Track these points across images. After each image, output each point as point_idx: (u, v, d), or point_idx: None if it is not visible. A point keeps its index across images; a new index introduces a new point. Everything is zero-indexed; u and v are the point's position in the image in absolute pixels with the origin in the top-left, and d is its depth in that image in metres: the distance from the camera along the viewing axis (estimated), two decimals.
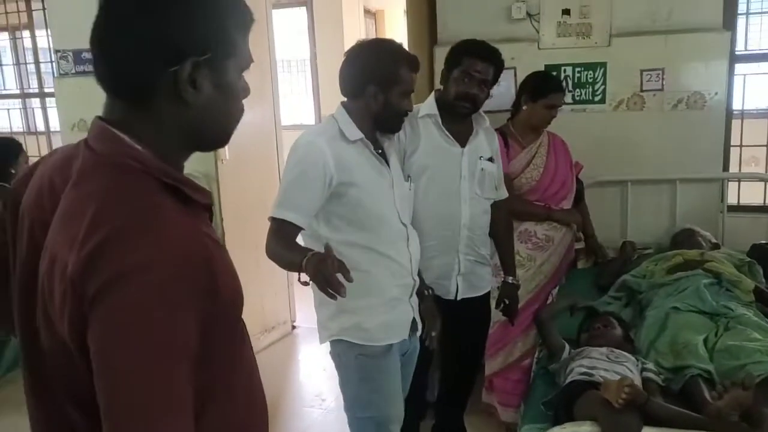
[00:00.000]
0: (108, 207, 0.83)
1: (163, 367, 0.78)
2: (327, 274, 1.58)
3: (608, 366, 1.89)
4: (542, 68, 3.34)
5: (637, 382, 1.84)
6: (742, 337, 2.08)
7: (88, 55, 4.22)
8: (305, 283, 1.74)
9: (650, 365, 2.01)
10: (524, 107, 2.86)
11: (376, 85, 1.96)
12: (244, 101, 0.99)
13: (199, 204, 0.93)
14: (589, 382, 1.79)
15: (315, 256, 1.68)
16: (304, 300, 4.45)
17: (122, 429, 0.77)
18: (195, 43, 0.87)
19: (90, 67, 4.13)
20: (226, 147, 3.49)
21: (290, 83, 6.70)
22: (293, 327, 4.49)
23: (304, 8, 6.35)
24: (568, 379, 1.89)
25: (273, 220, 1.93)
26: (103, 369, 0.78)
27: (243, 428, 0.99)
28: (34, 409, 1.02)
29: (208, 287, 0.84)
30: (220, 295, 0.86)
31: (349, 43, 6.28)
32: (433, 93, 2.51)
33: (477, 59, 2.34)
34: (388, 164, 2.06)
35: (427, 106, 2.43)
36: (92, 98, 0.97)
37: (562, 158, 2.95)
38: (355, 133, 1.97)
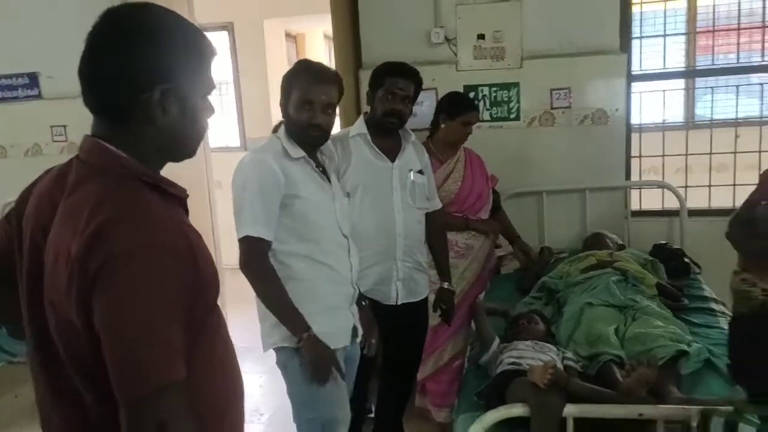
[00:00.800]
0: (103, 202, 0.99)
1: (160, 324, 0.96)
2: (325, 373, 2.02)
3: (534, 355, 2.08)
4: (461, 89, 3.58)
5: (560, 367, 2.04)
6: (648, 326, 2.32)
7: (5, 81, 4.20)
8: None
9: (570, 354, 2.22)
10: (442, 125, 3.07)
11: (284, 99, 2.12)
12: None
13: (176, 199, 1.12)
14: (517, 370, 1.98)
15: (318, 345, 2.01)
16: (238, 318, 4.49)
17: (127, 377, 0.93)
18: (162, 74, 1.05)
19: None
20: None
21: (215, 106, 6.71)
22: None
23: (225, 32, 6.41)
24: (499, 370, 2.08)
25: (246, 239, 2.01)
26: (109, 330, 0.94)
27: (223, 397, 1.14)
28: (44, 391, 1.12)
29: (191, 264, 1.01)
30: (201, 272, 1.03)
31: (271, 66, 6.40)
32: (362, 115, 2.68)
33: (398, 78, 2.53)
34: (329, 180, 2.21)
35: (357, 126, 2.60)
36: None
37: (478, 172, 3.17)
38: (297, 151, 2.10)
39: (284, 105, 2.15)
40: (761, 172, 2.31)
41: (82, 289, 0.95)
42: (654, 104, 3.79)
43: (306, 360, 2.03)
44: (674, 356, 2.15)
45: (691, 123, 4.88)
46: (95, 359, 0.97)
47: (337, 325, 2.18)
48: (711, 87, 4.37)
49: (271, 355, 2.22)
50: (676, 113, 4.97)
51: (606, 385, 1.99)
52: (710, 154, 3.61)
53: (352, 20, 3.74)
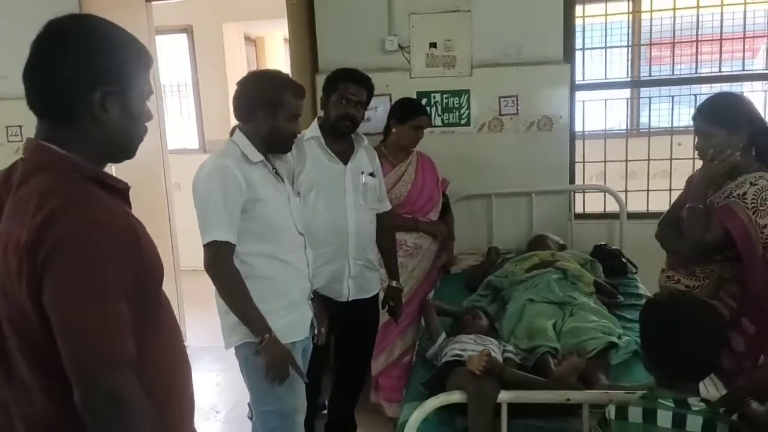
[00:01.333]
0: (49, 194, 1.07)
1: (108, 302, 1.05)
2: (283, 374, 2.13)
3: (476, 348, 2.21)
4: (414, 95, 3.72)
5: (500, 360, 2.17)
6: (582, 320, 2.48)
7: None
8: None
9: (510, 347, 2.36)
10: (393, 130, 3.20)
11: (263, 110, 2.20)
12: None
13: (117, 192, 1.21)
14: (458, 361, 2.11)
15: (277, 347, 2.11)
16: (195, 318, 4.54)
17: (79, 349, 1.03)
18: (103, 76, 1.15)
19: None
20: (113, 169, 3.59)
21: (172, 108, 6.72)
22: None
23: (184, 34, 6.43)
24: (442, 361, 2.20)
25: (212, 243, 2.09)
26: (60, 310, 1.03)
27: (172, 374, 1.25)
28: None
29: (134, 247, 1.12)
30: (144, 255, 1.13)
31: (230, 69, 6.45)
32: (316, 119, 2.79)
33: (350, 83, 2.65)
34: (283, 181, 2.31)
35: (311, 130, 2.71)
36: None
37: (429, 175, 3.31)
38: (256, 155, 2.19)
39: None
40: (687, 178, 2.49)
41: (32, 274, 1.03)
42: (601, 112, 3.97)
43: (266, 362, 2.12)
44: (605, 347, 2.31)
45: (634, 131, 5.11)
46: (47, 342, 1.05)
47: (298, 318, 2.30)
48: (649, 97, 4.60)
49: (228, 354, 2.30)
50: (622, 121, 5.20)
51: (542, 374, 2.14)
52: (648, 160, 3.81)
53: (309, 26, 3.84)
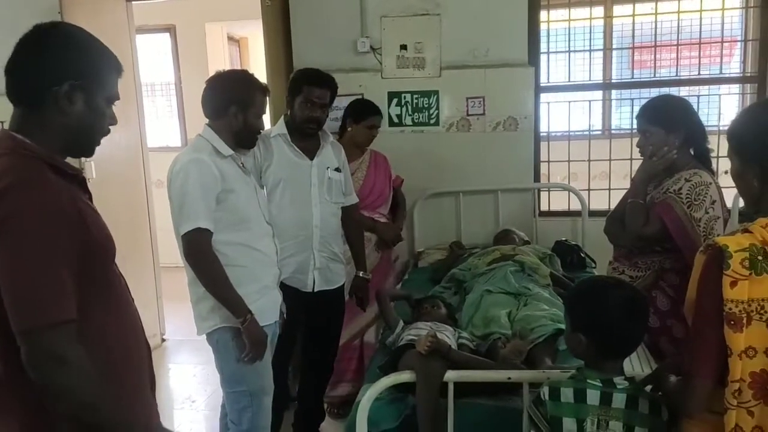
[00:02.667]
0: (5, 172, 1.20)
1: (51, 270, 1.18)
2: (261, 353, 2.28)
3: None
4: (386, 95, 3.89)
5: (454, 346, 2.30)
6: (535, 309, 2.62)
7: None
8: None
9: (465, 334, 2.49)
10: (349, 129, 3.34)
11: (237, 107, 2.33)
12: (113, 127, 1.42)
13: (74, 179, 1.33)
14: (411, 344, 2.23)
15: (257, 327, 2.26)
16: (173, 313, 4.65)
17: (24, 313, 1.16)
18: (73, 72, 1.29)
19: None
20: (93, 166, 3.69)
21: (155, 106, 6.82)
22: (163, 340, 4.66)
23: (167, 34, 6.52)
24: (397, 345, 2.33)
25: (193, 231, 2.18)
26: (6, 276, 1.16)
27: (122, 344, 1.37)
28: None
29: (80, 225, 1.25)
30: (90, 231, 1.27)
31: (213, 68, 6.57)
32: (283, 116, 2.91)
33: (315, 87, 2.77)
34: (249, 175, 2.44)
35: (278, 127, 2.83)
36: None
37: (381, 173, 3.45)
38: (227, 149, 2.32)
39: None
40: (632, 177, 2.64)
41: None
42: (572, 113, 4.12)
43: (247, 341, 2.25)
44: (554, 334, 2.44)
45: (597, 132, 5.26)
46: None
47: (269, 303, 2.43)
48: (611, 99, 4.75)
49: (206, 348, 2.42)
50: (594, 122, 5.36)
51: (492, 358, 2.27)
52: (609, 160, 3.96)
53: (284, 27, 3.96)
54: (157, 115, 6.83)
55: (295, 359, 3.07)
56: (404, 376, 1.98)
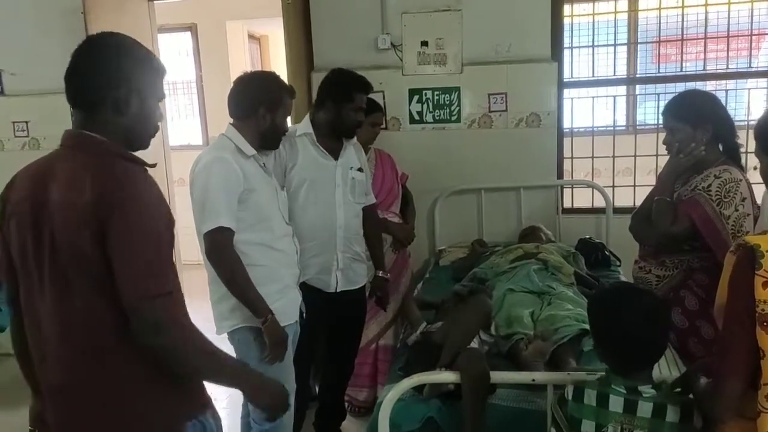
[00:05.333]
0: (100, 170, 1.38)
1: (161, 246, 1.38)
2: (282, 353, 2.28)
3: None
4: (407, 92, 3.86)
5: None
6: (559, 309, 2.58)
7: None
8: None
9: (486, 336, 2.46)
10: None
11: (266, 108, 2.33)
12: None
13: (143, 169, 1.49)
14: (428, 339, 2.21)
15: (278, 327, 2.25)
16: (194, 311, 4.64)
17: (140, 278, 1.33)
18: (127, 77, 1.45)
19: None
20: None
21: (177, 105, 6.86)
22: None
23: (189, 32, 6.55)
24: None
25: (216, 230, 2.18)
26: (124, 252, 1.34)
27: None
28: (57, 302, 1.41)
29: (167, 210, 1.44)
30: (171, 218, 1.46)
31: (234, 66, 6.58)
32: (308, 115, 2.89)
33: (363, 94, 2.81)
34: (270, 175, 2.43)
35: (304, 126, 2.81)
36: None
37: (388, 170, 3.43)
38: (250, 149, 2.32)
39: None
40: (657, 173, 2.58)
41: (96, 227, 1.32)
42: (597, 109, 4.05)
43: (268, 341, 2.24)
44: (578, 334, 2.41)
45: (621, 128, 5.17)
46: (107, 276, 1.34)
47: (290, 303, 2.42)
48: (635, 94, 4.66)
49: (226, 345, 2.39)
50: (618, 118, 5.27)
51: (514, 359, 2.24)
52: (635, 156, 3.89)
53: (305, 25, 3.95)
54: (178, 113, 6.86)
55: (317, 359, 3.06)
56: (446, 376, 1.96)
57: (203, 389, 1.56)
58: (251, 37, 7.07)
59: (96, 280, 1.36)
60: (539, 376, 1.92)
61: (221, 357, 1.48)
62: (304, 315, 2.52)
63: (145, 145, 1.54)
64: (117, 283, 1.33)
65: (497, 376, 1.96)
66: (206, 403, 1.55)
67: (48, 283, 1.41)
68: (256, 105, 2.33)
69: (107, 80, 1.42)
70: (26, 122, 4.34)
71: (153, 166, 1.51)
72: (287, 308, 2.39)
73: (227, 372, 1.54)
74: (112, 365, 1.42)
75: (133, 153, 1.48)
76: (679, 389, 1.67)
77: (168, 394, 1.46)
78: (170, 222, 1.45)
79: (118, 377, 1.42)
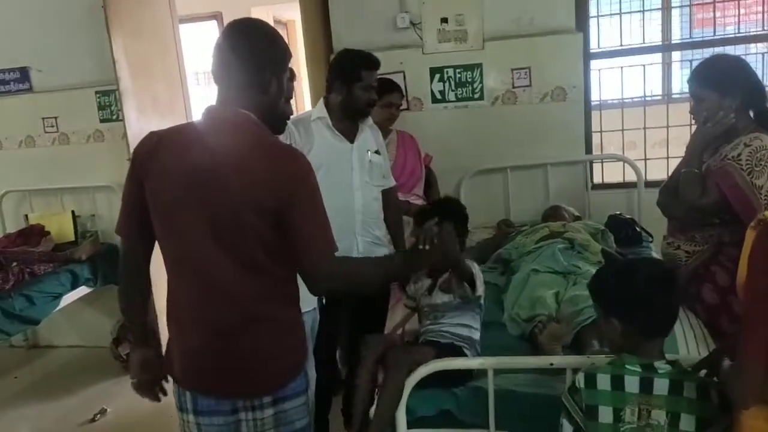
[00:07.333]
0: (275, 147, 1.63)
1: (326, 215, 1.61)
2: None
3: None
4: (427, 71, 3.79)
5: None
6: (583, 288, 2.44)
7: None
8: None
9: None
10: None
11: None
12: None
13: None
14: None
15: None
16: None
17: (326, 240, 1.59)
18: (272, 60, 1.62)
19: None
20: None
21: (204, 95, 6.88)
22: None
23: (214, 21, 6.56)
24: None
25: None
26: (310, 217, 1.56)
27: None
28: (221, 257, 1.56)
29: None
30: None
31: None
32: (322, 99, 2.84)
33: (372, 71, 2.73)
34: None
35: (318, 110, 2.77)
36: None
37: (411, 152, 3.35)
38: None
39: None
40: (687, 145, 2.46)
41: (279, 199, 1.50)
42: (629, 80, 3.90)
43: None
44: None
45: (666, 97, 4.98)
46: (280, 242, 1.55)
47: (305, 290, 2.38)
48: (672, 62, 4.48)
49: None
50: (652, 88, 5.08)
51: (533, 343, 2.18)
52: (667, 127, 3.74)
53: (323, 7, 3.89)
54: (206, 102, 6.88)
55: (342, 343, 3.05)
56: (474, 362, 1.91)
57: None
58: (278, 22, 7.03)
59: (261, 240, 1.53)
60: (557, 360, 1.85)
61: (377, 267, 1.84)
62: (324, 301, 2.50)
63: (282, 122, 1.74)
64: (301, 245, 1.55)
65: (513, 361, 1.90)
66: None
67: (207, 238, 1.54)
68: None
69: (258, 64, 1.57)
70: (55, 118, 4.39)
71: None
72: (304, 295, 2.36)
73: (387, 273, 1.89)
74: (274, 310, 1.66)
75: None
76: (704, 371, 1.59)
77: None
78: None
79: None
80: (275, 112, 1.67)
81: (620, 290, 1.55)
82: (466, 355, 2.10)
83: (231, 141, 1.56)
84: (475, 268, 2.24)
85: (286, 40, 6.41)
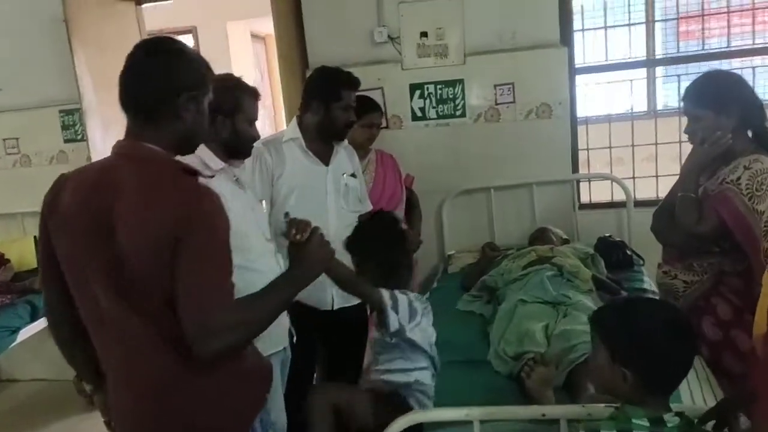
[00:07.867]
0: (173, 184, 1.40)
1: (225, 261, 1.44)
2: None
3: None
4: (407, 87, 3.62)
5: None
6: (576, 322, 2.32)
7: None
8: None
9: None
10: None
11: (223, 114, 2.09)
12: None
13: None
14: None
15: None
16: None
17: (205, 288, 1.37)
18: (189, 84, 1.45)
19: None
20: None
21: None
22: None
23: (190, 35, 6.39)
24: None
25: None
26: (199, 262, 1.36)
27: None
28: (124, 309, 1.39)
29: (227, 220, 1.44)
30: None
31: (236, 67, 6.39)
32: (295, 118, 2.67)
33: (352, 91, 2.60)
34: (244, 189, 2.20)
35: (291, 131, 2.60)
36: None
37: (390, 172, 3.17)
38: (218, 162, 2.08)
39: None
40: (682, 164, 2.31)
41: (169, 240, 1.32)
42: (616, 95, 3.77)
43: None
44: None
45: (651, 112, 4.88)
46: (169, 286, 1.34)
47: (275, 327, 2.16)
48: (657, 77, 4.37)
49: None
50: (637, 104, 4.96)
51: (521, 385, 2.00)
52: (656, 144, 3.61)
53: (297, 21, 3.72)
54: None
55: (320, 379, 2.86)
56: (459, 413, 1.73)
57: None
58: (255, 36, 6.88)
59: (162, 289, 1.36)
60: (549, 411, 1.68)
61: (266, 301, 1.60)
62: (294, 338, 2.30)
63: (194, 148, 1.58)
64: (181, 299, 1.34)
65: (502, 411, 1.72)
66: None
67: (108, 291, 1.39)
68: (212, 112, 2.10)
69: (170, 86, 1.43)
70: (17, 139, 4.18)
71: (212, 176, 1.59)
72: (271, 334, 2.16)
73: (281, 301, 1.64)
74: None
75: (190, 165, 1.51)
76: (712, 422, 1.42)
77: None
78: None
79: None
80: (196, 141, 1.55)
81: (636, 335, 1.38)
82: (410, 405, 1.90)
83: (128, 181, 1.39)
84: (390, 296, 1.90)
85: (264, 56, 6.26)
